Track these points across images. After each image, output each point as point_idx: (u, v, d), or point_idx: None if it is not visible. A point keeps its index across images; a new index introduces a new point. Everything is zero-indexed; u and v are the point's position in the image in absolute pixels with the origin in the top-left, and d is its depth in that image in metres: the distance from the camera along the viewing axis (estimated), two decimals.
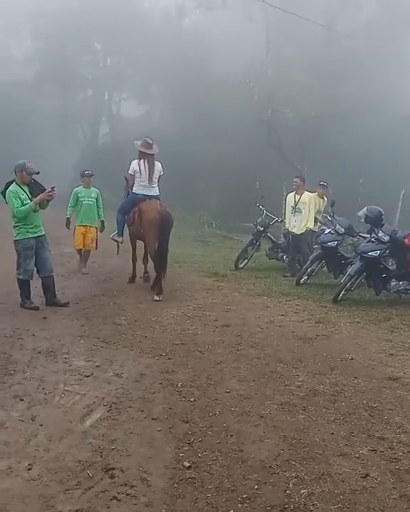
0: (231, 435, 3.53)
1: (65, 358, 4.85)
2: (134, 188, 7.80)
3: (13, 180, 6.59)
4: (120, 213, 8.01)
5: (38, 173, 6.63)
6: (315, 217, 9.64)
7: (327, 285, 8.76)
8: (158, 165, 7.84)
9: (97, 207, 9.14)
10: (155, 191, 7.81)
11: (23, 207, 6.46)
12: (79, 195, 9.04)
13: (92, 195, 9.12)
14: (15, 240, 6.59)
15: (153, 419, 3.74)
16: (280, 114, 18.16)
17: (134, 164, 7.71)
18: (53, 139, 28.55)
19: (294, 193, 9.72)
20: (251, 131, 19.25)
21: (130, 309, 6.67)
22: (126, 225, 8.08)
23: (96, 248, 9.18)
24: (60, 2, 23.49)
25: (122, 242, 8.24)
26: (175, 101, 23.98)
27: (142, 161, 7.67)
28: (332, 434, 3.60)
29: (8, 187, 6.54)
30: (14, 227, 6.57)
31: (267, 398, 4.12)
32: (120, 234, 8.05)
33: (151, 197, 7.69)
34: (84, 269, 9.09)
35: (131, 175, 7.80)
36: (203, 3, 20.08)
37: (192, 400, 4.06)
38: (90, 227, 9.06)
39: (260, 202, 10.53)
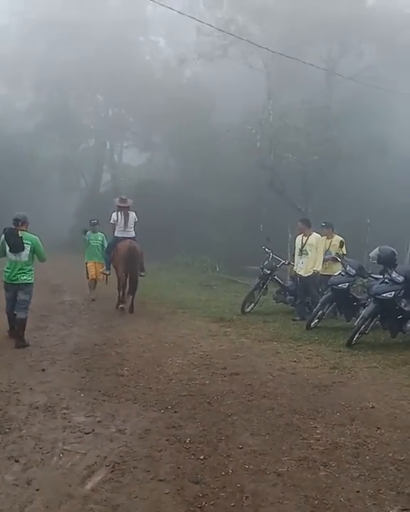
0: (246, 497, 3.18)
1: (64, 414, 4.51)
2: (115, 233, 10.00)
3: (15, 229, 7.00)
4: (107, 253, 10.24)
5: None
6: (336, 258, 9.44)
7: (339, 328, 8.44)
8: (132, 214, 10.07)
9: (103, 246, 11.08)
10: (131, 234, 9.99)
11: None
12: (88, 238, 11.22)
13: (99, 238, 11.25)
14: (31, 283, 7.08)
15: (160, 480, 3.39)
16: (282, 158, 18.24)
17: (114, 215, 9.98)
18: (56, 187, 28.90)
19: (302, 235, 9.55)
20: (254, 176, 19.37)
21: (133, 359, 6.35)
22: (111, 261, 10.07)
23: (101, 279, 10.95)
24: (62, 55, 24.19)
25: (109, 274, 10.35)
26: (177, 148, 24.31)
27: (119, 212, 9.96)
28: (358, 492, 3.25)
29: (12, 233, 6.95)
30: (29, 271, 7.06)
31: (283, 454, 3.76)
32: (108, 268, 10.24)
33: (127, 238, 9.78)
34: (92, 296, 10.97)
35: (112, 223, 9.99)
36: (204, 54, 20.55)
37: (202, 457, 3.71)
38: (97, 262, 11.00)
39: (266, 244, 10.37)
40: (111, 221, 10.00)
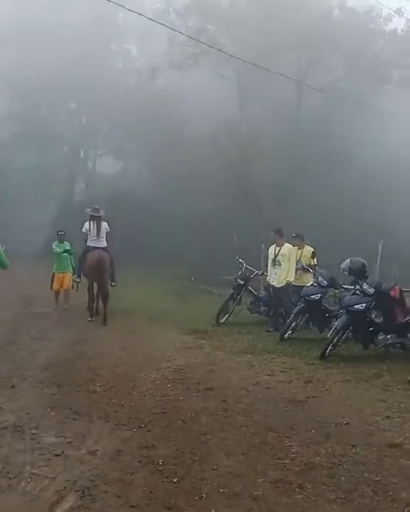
0: None
1: (34, 434, 4.36)
2: (87, 242, 10.04)
3: None
4: (79, 261, 10.41)
5: None
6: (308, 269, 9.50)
7: (312, 340, 8.44)
8: (104, 224, 10.12)
9: (71, 255, 11.42)
10: (103, 244, 10.05)
11: None
12: (60, 249, 11.28)
13: (66, 248, 11.34)
14: None
15: (131, 506, 3.28)
16: (254, 169, 18.33)
17: (86, 224, 10.02)
18: (29, 197, 28.49)
19: (274, 245, 9.56)
20: (226, 186, 19.40)
21: (106, 374, 6.22)
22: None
23: (72, 287, 11.14)
24: (35, 63, 23.95)
25: (80, 282, 10.52)
26: (150, 157, 24.24)
27: (91, 221, 9.98)
28: None
29: None
30: None
31: (259, 475, 3.69)
32: (78, 275, 10.42)
33: (97, 248, 9.85)
34: (66, 306, 11.18)
35: (84, 232, 10.05)
36: (176, 63, 20.58)
37: (175, 480, 3.61)
38: (66, 272, 11.23)
39: (239, 255, 10.37)
40: (83, 230, 10.09)
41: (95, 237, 9.96)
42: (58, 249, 11.27)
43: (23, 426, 4.53)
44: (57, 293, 11.25)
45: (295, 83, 18.51)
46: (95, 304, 10.14)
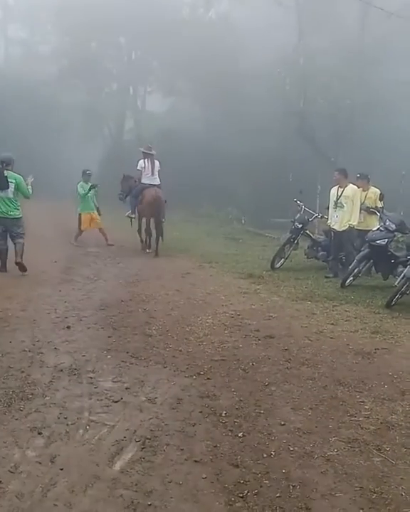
0: (294, 486, 2.83)
1: (90, 378, 4.22)
2: (142, 180, 10.46)
3: (1, 168, 7.80)
4: (133, 197, 10.65)
5: None
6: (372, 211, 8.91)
7: (375, 287, 8.00)
8: (157, 162, 10.58)
9: (95, 197, 11.58)
10: (156, 181, 10.55)
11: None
12: (85, 190, 11.23)
13: (93, 187, 11.43)
14: (21, 217, 8.06)
15: (195, 461, 3.06)
16: (312, 103, 17.26)
17: (141, 162, 10.48)
18: (78, 134, 28.16)
19: (337, 186, 8.95)
20: (283, 123, 18.47)
21: (161, 317, 6.03)
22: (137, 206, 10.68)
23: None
24: None
25: (134, 218, 10.85)
26: (202, 93, 23.26)
27: (146, 159, 10.45)
28: None
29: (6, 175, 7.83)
30: (18, 207, 8.01)
31: (331, 433, 3.41)
32: (133, 211, 10.75)
33: (153, 185, 10.36)
34: (85, 247, 11.01)
35: (139, 170, 10.47)
36: None
37: (240, 434, 3.37)
38: (93, 213, 11.33)
39: (298, 197, 9.83)
40: (138, 168, 10.50)
41: (150, 175, 10.44)
42: (82, 191, 11.13)
43: (79, 369, 4.39)
44: (83, 231, 11.30)
45: (360, 9, 17.04)
46: (149, 237, 10.63)
